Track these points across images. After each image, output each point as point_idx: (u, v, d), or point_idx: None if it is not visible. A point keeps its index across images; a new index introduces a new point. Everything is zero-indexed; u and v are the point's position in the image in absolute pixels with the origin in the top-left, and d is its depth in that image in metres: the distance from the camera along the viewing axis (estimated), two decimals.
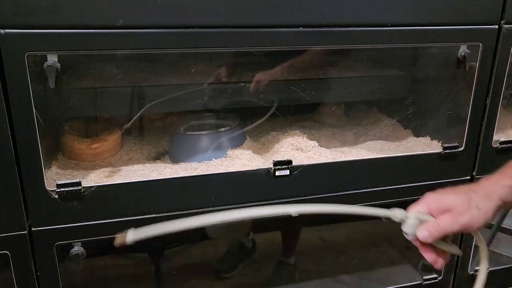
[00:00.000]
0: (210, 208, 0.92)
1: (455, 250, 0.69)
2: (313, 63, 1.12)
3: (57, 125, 1.00)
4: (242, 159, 0.98)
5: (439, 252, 0.67)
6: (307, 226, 1.37)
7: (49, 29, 0.74)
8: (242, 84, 1.08)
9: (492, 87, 1.03)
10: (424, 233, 0.64)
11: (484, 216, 0.64)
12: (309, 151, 1.04)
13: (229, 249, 1.31)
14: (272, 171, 0.93)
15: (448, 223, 0.63)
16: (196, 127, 1.11)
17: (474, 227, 0.64)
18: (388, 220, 0.67)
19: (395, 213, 0.66)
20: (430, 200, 0.66)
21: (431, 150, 1.09)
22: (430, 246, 0.66)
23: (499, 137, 1.10)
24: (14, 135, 0.77)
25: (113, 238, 0.88)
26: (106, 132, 1.05)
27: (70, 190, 0.82)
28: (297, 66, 1.09)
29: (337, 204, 0.66)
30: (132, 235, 0.62)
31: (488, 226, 1.27)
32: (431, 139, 1.14)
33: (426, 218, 0.65)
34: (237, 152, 1.01)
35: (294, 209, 0.64)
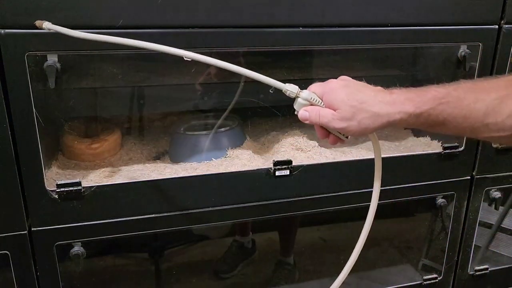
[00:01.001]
0: (210, 208, 0.92)
1: (341, 136, 0.68)
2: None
3: (57, 125, 1.00)
4: (242, 159, 0.98)
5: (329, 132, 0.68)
6: (307, 226, 1.36)
7: None
8: (243, 83, 1.08)
9: None
10: (304, 114, 0.66)
11: (361, 131, 0.64)
12: (309, 151, 1.04)
13: (229, 249, 1.31)
14: (272, 171, 0.93)
15: (326, 120, 0.64)
16: (196, 127, 1.11)
17: (348, 134, 0.66)
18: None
19: (287, 87, 0.66)
20: (328, 89, 0.65)
21: (431, 150, 1.09)
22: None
23: None
24: (14, 135, 0.77)
25: (113, 238, 0.89)
26: (106, 132, 1.05)
27: (70, 190, 0.82)
28: None
29: (238, 66, 0.66)
30: (49, 25, 0.70)
31: (488, 226, 1.27)
32: (431, 139, 1.14)
33: (316, 102, 0.65)
34: (237, 152, 1.01)
35: (188, 54, 0.65)
